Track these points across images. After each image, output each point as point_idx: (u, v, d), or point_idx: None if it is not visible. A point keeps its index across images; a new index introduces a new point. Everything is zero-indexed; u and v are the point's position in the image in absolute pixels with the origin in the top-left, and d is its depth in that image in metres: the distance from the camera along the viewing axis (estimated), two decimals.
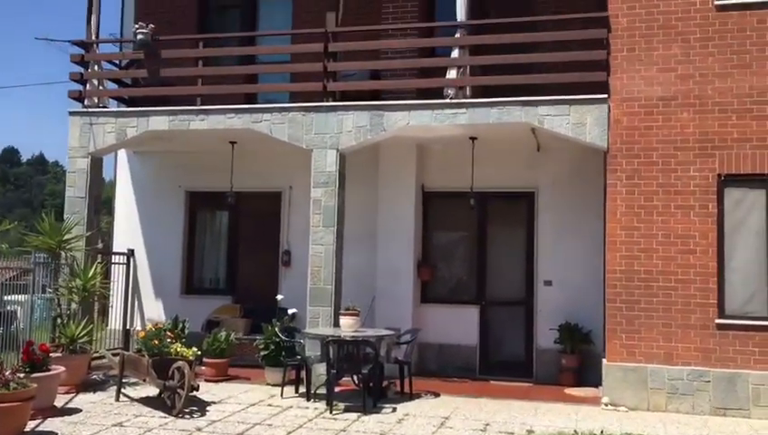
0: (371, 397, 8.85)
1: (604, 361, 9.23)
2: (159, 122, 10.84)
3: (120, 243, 12.86)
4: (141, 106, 11.13)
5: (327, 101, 10.39)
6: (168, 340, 8.79)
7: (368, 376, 8.84)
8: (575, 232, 10.97)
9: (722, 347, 8.75)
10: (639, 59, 9.24)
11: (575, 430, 7.48)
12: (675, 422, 8.30)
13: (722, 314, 8.80)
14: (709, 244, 8.88)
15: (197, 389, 8.66)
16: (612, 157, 9.28)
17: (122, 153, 12.92)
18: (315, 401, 9.05)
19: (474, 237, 11.71)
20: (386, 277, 11.33)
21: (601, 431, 7.43)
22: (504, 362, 11.31)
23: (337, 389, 9.13)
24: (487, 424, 8.03)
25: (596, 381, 9.82)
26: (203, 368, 10.30)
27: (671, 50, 9.14)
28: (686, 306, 8.88)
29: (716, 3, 9.00)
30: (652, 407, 8.86)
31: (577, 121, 9.41)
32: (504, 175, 11.32)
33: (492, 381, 10.90)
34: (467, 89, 10.11)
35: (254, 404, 8.87)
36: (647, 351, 8.96)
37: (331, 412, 8.44)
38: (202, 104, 11.03)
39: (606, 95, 9.32)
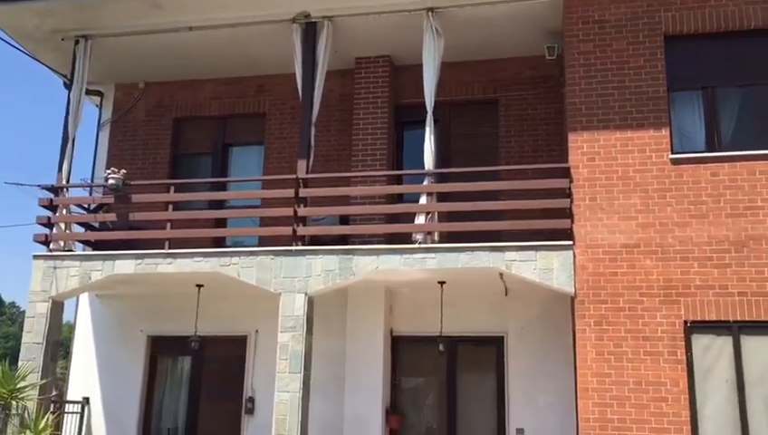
0: None
1: None
2: (125, 266, 10.69)
3: (75, 389, 12.29)
4: (107, 250, 11.03)
5: (296, 245, 10.43)
6: None
7: None
8: (546, 377, 10.81)
9: None
10: (601, 207, 9.54)
11: None
12: None
13: None
14: (681, 391, 8.80)
15: None
16: (580, 302, 9.35)
17: (84, 296, 12.61)
18: None
19: (443, 383, 11.47)
20: (353, 426, 10.91)
21: None
22: None
23: None
24: None
25: None
26: None
27: (631, 199, 9.47)
28: None
29: (671, 157, 9.45)
30: None
31: (544, 267, 9.54)
32: (473, 319, 11.27)
33: None
34: (435, 234, 10.26)
35: None
36: None
37: None
38: (170, 248, 10.96)
39: (571, 242, 9.53)
